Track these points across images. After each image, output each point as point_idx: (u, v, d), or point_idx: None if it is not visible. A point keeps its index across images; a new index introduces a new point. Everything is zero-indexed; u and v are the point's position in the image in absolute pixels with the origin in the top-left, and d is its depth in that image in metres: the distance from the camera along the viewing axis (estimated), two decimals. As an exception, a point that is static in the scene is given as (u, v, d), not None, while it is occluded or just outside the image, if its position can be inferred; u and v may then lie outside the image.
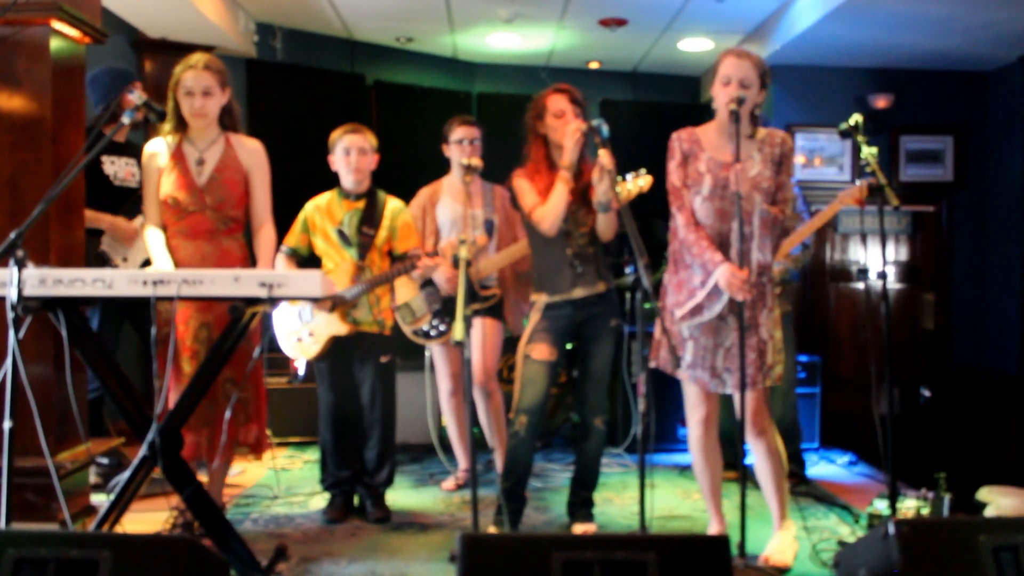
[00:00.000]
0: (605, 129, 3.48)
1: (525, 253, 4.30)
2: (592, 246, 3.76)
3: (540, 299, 3.79)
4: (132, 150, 4.57)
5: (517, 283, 4.64)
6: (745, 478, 3.29)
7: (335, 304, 3.92)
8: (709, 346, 3.37)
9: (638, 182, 3.60)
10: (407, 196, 4.30)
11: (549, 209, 3.64)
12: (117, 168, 4.50)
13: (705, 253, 3.31)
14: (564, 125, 3.66)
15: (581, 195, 3.69)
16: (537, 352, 3.71)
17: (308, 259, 4.10)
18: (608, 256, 3.88)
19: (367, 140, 4.03)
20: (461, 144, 4.40)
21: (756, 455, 3.49)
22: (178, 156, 3.59)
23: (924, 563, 2.36)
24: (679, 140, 3.41)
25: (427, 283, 4.50)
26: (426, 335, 4.53)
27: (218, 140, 3.64)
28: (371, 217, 4.03)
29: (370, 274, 4.00)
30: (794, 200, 3.41)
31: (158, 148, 3.62)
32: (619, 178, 3.61)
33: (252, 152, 3.69)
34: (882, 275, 3.44)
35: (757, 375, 3.37)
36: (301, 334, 4.01)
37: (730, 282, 3.24)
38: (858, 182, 3.91)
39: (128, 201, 4.46)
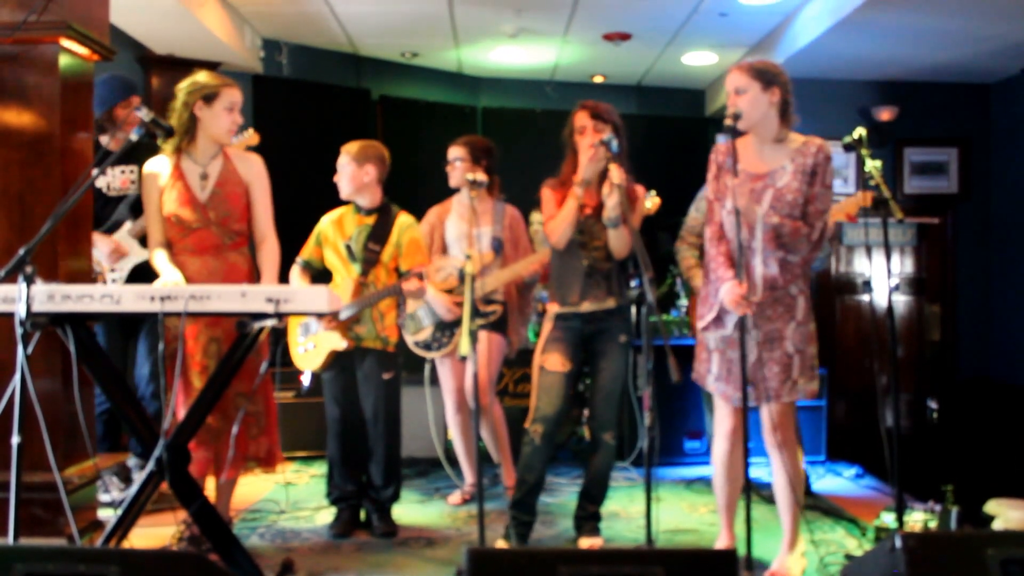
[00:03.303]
0: (615, 144, 3.55)
1: (530, 270, 4.33)
2: (609, 261, 3.78)
3: (552, 308, 3.84)
4: (129, 157, 4.29)
5: (521, 299, 4.65)
6: (751, 490, 3.29)
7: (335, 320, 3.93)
8: (734, 359, 3.35)
9: (645, 204, 3.62)
10: (412, 209, 4.31)
11: (557, 223, 3.70)
12: (110, 179, 4.44)
13: (719, 269, 3.35)
14: (581, 139, 3.73)
15: (598, 209, 3.72)
16: (551, 363, 3.75)
17: (323, 272, 4.13)
18: (624, 272, 3.89)
19: (346, 156, 4.02)
20: (449, 164, 4.44)
21: (772, 468, 3.48)
22: (178, 173, 3.60)
23: (932, 577, 2.35)
24: (716, 153, 3.44)
25: None
26: (427, 347, 4.53)
27: (217, 155, 3.66)
28: (379, 233, 4.04)
29: (374, 290, 4.00)
30: (828, 212, 3.35)
31: (157, 167, 3.64)
32: None
33: (251, 165, 3.71)
34: (893, 287, 3.44)
35: (781, 388, 3.36)
36: (307, 345, 4.04)
37: (731, 298, 3.25)
38: (851, 197, 3.94)
39: (123, 207, 4.42)
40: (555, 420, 3.74)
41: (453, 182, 4.50)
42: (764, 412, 3.42)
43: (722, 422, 3.49)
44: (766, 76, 3.28)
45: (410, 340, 4.55)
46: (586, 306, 3.76)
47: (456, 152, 4.47)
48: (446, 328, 4.47)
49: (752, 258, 3.33)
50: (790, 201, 3.28)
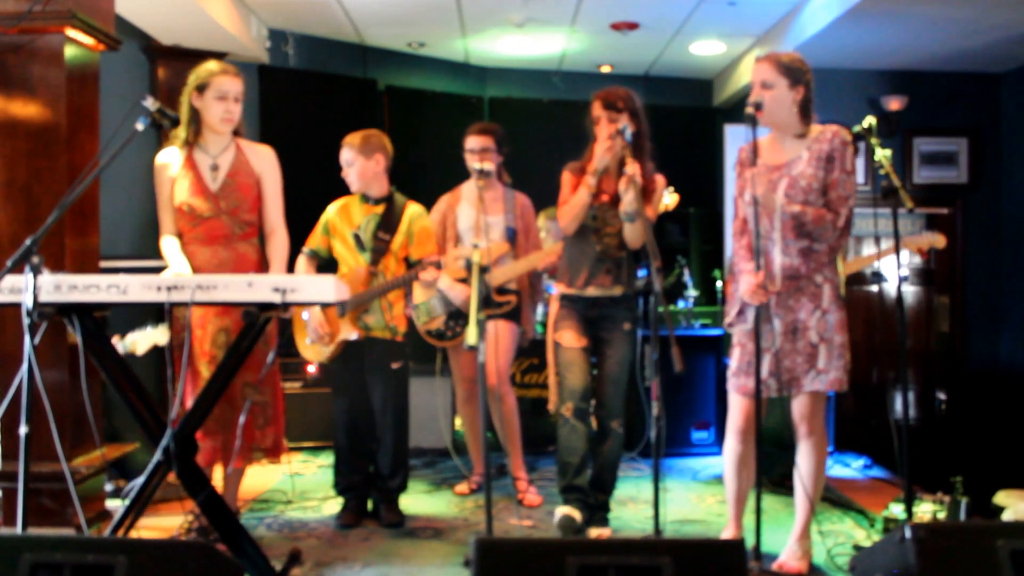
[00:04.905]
0: (628, 133, 3.58)
1: (544, 262, 4.32)
2: (621, 249, 3.80)
3: (559, 288, 3.88)
4: None
5: (533, 289, 4.64)
6: (761, 482, 3.28)
7: (343, 310, 3.93)
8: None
9: (664, 199, 3.62)
10: (417, 199, 4.31)
11: (567, 209, 3.76)
12: None
13: (740, 262, 3.37)
14: (599, 130, 3.75)
15: (614, 197, 3.72)
16: (567, 339, 3.79)
17: (329, 261, 4.12)
18: (637, 263, 3.90)
19: (351, 150, 4.02)
20: (472, 153, 4.40)
21: (797, 457, 3.46)
22: (190, 163, 3.61)
23: (941, 568, 2.34)
24: (740, 151, 3.45)
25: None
26: (440, 336, 4.52)
27: (229, 146, 3.66)
28: (388, 222, 4.03)
29: (383, 279, 4.00)
30: (852, 197, 3.34)
31: (169, 158, 3.64)
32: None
33: (263, 157, 3.71)
34: (903, 278, 3.43)
35: (804, 379, 3.35)
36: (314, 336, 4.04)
37: (746, 287, 3.25)
38: (926, 234, 4.01)
39: None
40: (583, 395, 3.76)
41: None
42: (793, 404, 3.41)
43: (735, 417, 3.47)
44: (795, 74, 3.28)
45: (422, 329, 4.54)
46: (591, 291, 3.79)
47: (483, 142, 4.39)
48: (459, 317, 4.46)
49: (771, 248, 3.33)
50: (804, 187, 3.28)
